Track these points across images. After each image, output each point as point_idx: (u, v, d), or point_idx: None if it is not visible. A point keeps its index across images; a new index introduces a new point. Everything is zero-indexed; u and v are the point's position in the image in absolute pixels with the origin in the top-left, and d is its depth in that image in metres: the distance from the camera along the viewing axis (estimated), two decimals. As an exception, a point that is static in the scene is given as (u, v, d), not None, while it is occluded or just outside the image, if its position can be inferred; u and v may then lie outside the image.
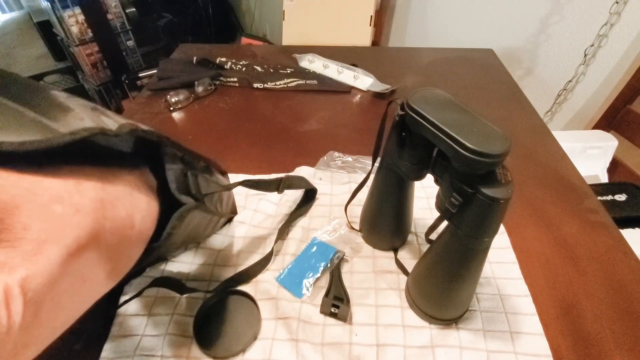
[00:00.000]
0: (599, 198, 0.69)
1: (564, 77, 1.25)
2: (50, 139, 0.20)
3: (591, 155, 1.07)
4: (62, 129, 0.21)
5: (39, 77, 2.12)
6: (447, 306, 0.39)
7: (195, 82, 0.80)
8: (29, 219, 0.18)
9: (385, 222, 0.45)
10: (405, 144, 0.36)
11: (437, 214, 0.35)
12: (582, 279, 0.45)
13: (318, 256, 0.47)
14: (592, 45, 1.15)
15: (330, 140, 0.68)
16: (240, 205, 0.54)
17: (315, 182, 0.56)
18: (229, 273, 0.45)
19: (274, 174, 0.59)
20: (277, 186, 0.47)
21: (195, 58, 0.90)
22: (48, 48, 2.17)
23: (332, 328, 0.40)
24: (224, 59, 0.90)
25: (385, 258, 0.47)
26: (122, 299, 0.42)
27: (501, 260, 0.46)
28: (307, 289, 0.43)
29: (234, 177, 0.56)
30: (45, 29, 2.04)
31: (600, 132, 1.13)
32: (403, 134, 0.35)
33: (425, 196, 0.55)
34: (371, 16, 1.43)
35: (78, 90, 2.09)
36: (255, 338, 0.39)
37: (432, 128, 0.30)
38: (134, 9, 1.96)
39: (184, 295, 0.43)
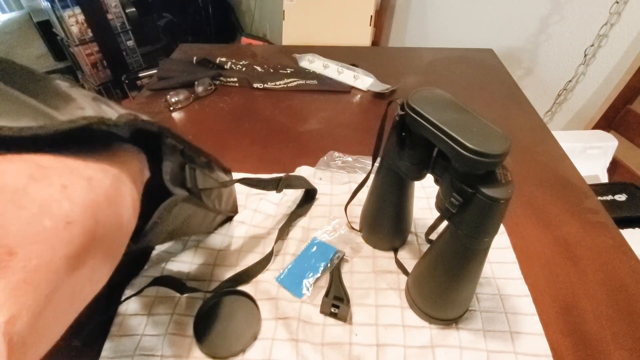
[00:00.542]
0: (599, 198, 0.69)
1: (564, 77, 1.25)
2: (49, 126, 0.19)
3: (591, 155, 1.07)
4: (62, 117, 0.20)
5: (39, 77, 2.11)
6: (447, 306, 0.39)
7: (195, 82, 0.80)
8: (15, 240, 0.16)
9: (385, 222, 0.45)
10: (405, 144, 0.36)
11: (437, 214, 0.35)
12: (582, 279, 0.45)
13: (318, 256, 0.47)
14: (592, 45, 1.15)
15: (330, 140, 0.68)
16: (241, 204, 0.54)
17: (315, 182, 0.56)
18: (229, 273, 0.45)
19: (274, 173, 0.59)
20: (276, 185, 0.47)
21: (195, 58, 0.90)
22: (48, 48, 2.17)
23: (332, 328, 0.40)
24: (224, 59, 0.90)
25: (385, 258, 0.47)
26: (123, 297, 0.42)
27: (501, 260, 0.46)
28: (307, 289, 0.43)
29: (234, 176, 0.56)
30: (45, 29, 2.04)
31: (600, 132, 1.13)
32: (403, 134, 0.35)
33: (425, 196, 0.55)
34: (371, 16, 1.43)
35: (78, 90, 2.09)
36: (255, 338, 0.39)
37: (432, 128, 0.30)
38: (134, 9, 1.96)
39: (184, 295, 0.43)
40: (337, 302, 0.41)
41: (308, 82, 0.85)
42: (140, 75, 1.95)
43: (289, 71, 0.89)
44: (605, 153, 1.08)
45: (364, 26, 1.46)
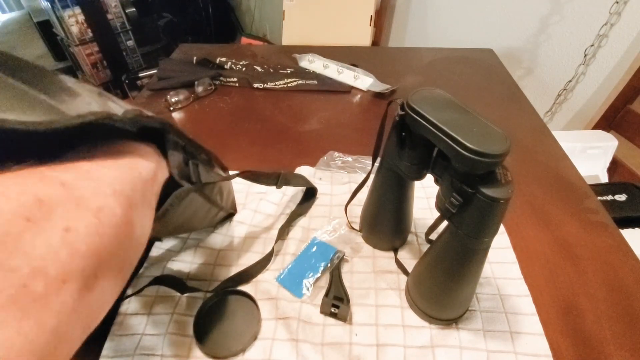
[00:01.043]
0: (599, 198, 0.69)
1: (564, 77, 1.25)
2: (60, 121, 0.19)
3: (591, 155, 1.07)
4: (70, 112, 0.20)
5: (39, 77, 2.11)
6: (447, 306, 0.39)
7: (195, 82, 0.80)
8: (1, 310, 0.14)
9: (385, 222, 0.45)
10: (405, 144, 0.36)
11: (437, 214, 0.35)
12: (582, 279, 0.45)
13: (318, 256, 0.47)
14: (592, 45, 1.15)
15: (330, 140, 0.68)
16: (240, 204, 0.54)
17: (315, 182, 0.56)
18: (229, 273, 0.44)
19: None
20: (275, 180, 0.47)
21: (195, 58, 0.90)
22: (48, 48, 2.17)
23: (332, 328, 0.40)
24: (224, 59, 0.90)
25: (385, 258, 0.47)
26: (123, 297, 0.42)
27: (501, 260, 0.46)
28: (307, 289, 0.43)
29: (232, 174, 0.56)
30: (45, 28, 2.04)
31: (600, 132, 1.13)
32: (403, 134, 0.35)
33: (425, 196, 0.55)
34: (371, 16, 1.43)
35: (78, 90, 2.09)
36: (255, 338, 0.39)
37: (432, 128, 0.30)
38: (134, 9, 1.96)
39: (184, 295, 0.43)
40: (337, 302, 0.41)
41: (308, 82, 0.85)
42: (140, 75, 1.95)
43: (289, 71, 0.89)
44: (605, 153, 1.08)
45: (364, 26, 1.46)
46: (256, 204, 0.54)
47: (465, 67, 0.92)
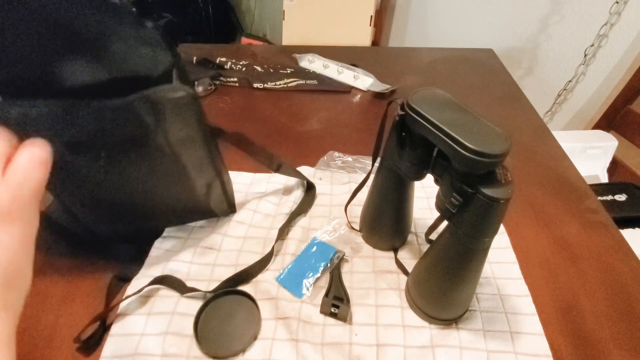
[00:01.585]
0: (599, 198, 0.69)
1: (564, 77, 1.25)
2: None
3: (591, 155, 1.07)
4: None
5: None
6: (447, 306, 0.39)
7: (195, 82, 0.80)
8: None
9: (385, 222, 0.45)
10: (405, 144, 0.36)
11: (437, 214, 0.35)
12: (582, 279, 0.45)
13: (318, 256, 0.47)
14: (592, 45, 1.15)
15: (330, 140, 0.68)
16: (240, 204, 0.54)
17: (315, 182, 0.56)
18: (229, 273, 0.44)
19: (274, 173, 0.59)
20: (269, 160, 0.51)
21: (195, 58, 0.90)
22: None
23: (332, 328, 0.40)
24: (224, 59, 0.91)
25: (385, 258, 0.47)
26: (123, 297, 0.42)
27: (501, 260, 0.46)
28: (307, 289, 0.43)
29: (234, 175, 0.56)
30: (45, 29, 2.04)
31: (600, 132, 1.13)
32: (403, 134, 0.35)
33: (425, 196, 0.55)
34: (371, 16, 1.43)
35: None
36: (255, 338, 0.39)
37: (432, 128, 0.30)
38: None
39: (184, 295, 0.43)
40: (337, 302, 0.41)
41: (308, 82, 0.85)
42: (140, 75, 1.94)
43: (289, 71, 0.89)
44: (605, 153, 1.08)
45: (364, 26, 1.45)
46: (256, 204, 0.54)
47: (465, 67, 0.92)
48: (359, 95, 0.82)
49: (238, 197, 0.54)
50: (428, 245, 0.39)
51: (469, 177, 0.30)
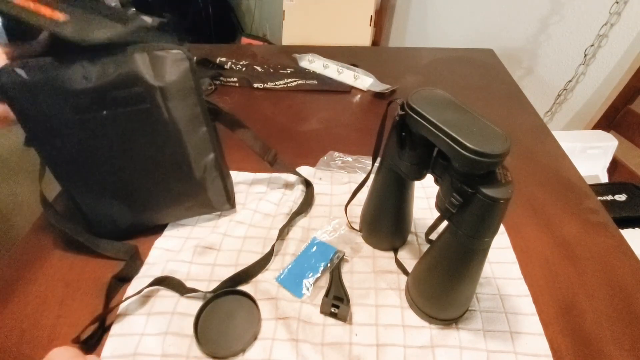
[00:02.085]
0: (599, 198, 0.69)
1: (564, 77, 1.25)
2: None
3: (591, 155, 1.07)
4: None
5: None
6: (447, 306, 0.39)
7: (195, 82, 0.80)
8: None
9: (385, 222, 0.45)
10: (405, 144, 0.36)
11: (437, 214, 0.35)
12: (582, 279, 0.45)
13: (318, 256, 0.47)
14: (592, 45, 1.15)
15: (330, 140, 0.68)
16: (240, 204, 0.54)
17: (315, 182, 0.56)
18: (229, 273, 0.44)
19: (274, 173, 0.59)
20: (264, 150, 0.52)
21: (195, 58, 0.90)
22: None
23: (332, 328, 0.40)
24: (224, 59, 0.91)
25: (385, 258, 0.47)
26: (123, 297, 0.42)
27: (501, 260, 0.46)
28: (307, 289, 0.43)
29: (235, 175, 0.56)
30: (45, 28, 2.04)
31: (600, 132, 1.13)
32: (403, 134, 0.35)
33: (425, 196, 0.55)
34: (371, 16, 1.43)
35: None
36: (255, 338, 0.39)
37: (432, 128, 0.30)
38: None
39: (184, 295, 0.43)
40: (337, 302, 0.41)
41: (308, 82, 0.85)
42: (140, 75, 1.95)
43: (289, 71, 0.89)
44: (605, 153, 1.08)
45: (364, 26, 1.45)
46: (256, 204, 0.54)
47: (465, 67, 0.92)
48: (359, 95, 0.82)
49: (238, 197, 0.54)
50: (428, 245, 0.39)
51: (469, 177, 0.30)
